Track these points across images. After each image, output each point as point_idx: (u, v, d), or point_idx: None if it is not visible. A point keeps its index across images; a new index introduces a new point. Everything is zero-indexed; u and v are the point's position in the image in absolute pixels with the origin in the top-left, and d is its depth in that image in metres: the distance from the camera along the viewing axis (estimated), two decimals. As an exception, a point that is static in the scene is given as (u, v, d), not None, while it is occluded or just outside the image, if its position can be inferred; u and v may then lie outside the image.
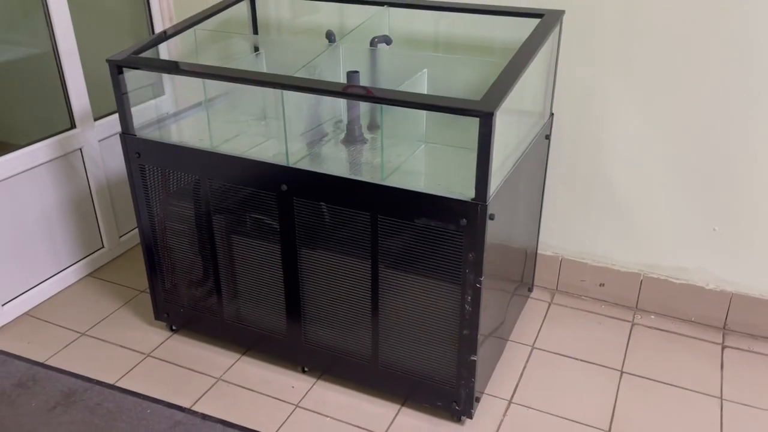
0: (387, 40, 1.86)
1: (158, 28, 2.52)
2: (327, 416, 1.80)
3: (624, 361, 2.00)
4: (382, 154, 1.59)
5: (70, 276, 2.38)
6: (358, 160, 1.75)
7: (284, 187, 1.67)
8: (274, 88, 1.58)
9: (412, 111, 1.74)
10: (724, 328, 2.13)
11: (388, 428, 1.76)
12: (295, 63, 1.84)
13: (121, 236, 2.55)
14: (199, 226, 1.86)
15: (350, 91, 1.49)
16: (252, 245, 1.81)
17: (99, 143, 2.37)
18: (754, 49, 1.79)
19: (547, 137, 2.00)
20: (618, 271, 2.21)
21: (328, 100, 1.85)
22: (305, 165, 1.70)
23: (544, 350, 2.04)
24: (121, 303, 2.27)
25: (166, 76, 2.57)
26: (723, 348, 2.06)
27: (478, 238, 1.50)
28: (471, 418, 1.74)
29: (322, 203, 1.64)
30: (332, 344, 1.82)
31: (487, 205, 1.46)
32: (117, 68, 1.75)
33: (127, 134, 1.83)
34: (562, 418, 1.79)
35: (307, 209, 1.67)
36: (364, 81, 1.80)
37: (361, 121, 1.85)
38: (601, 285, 2.25)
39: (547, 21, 1.78)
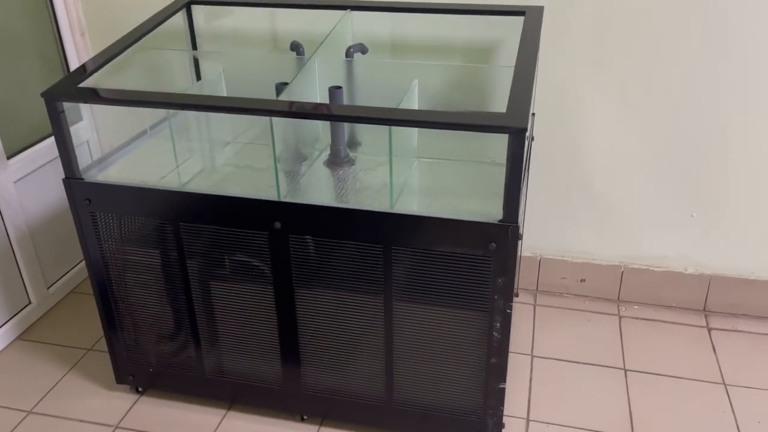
0: (363, 49, 1.69)
1: (69, 46, 2.19)
2: (341, 467, 1.64)
3: (624, 358, 1.97)
4: (391, 178, 1.43)
5: (-2, 342, 2.04)
6: (351, 185, 1.58)
7: (277, 225, 1.47)
8: (263, 115, 1.37)
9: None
10: (704, 310, 2.16)
11: (412, 471, 1.62)
12: (263, 81, 1.64)
13: (48, 287, 2.22)
14: (169, 276, 1.62)
15: (365, 114, 1.31)
16: (236, 291, 1.60)
17: (15, 185, 2.03)
18: (727, 42, 1.79)
19: (532, 138, 1.92)
20: (599, 266, 2.18)
21: (305, 120, 1.66)
22: (296, 197, 1.51)
23: (545, 357, 1.97)
24: (67, 367, 1.97)
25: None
26: (709, 330, 2.08)
27: (509, 262, 1.38)
28: (499, 446, 1.64)
29: (308, 237, 1.46)
30: (338, 387, 1.65)
31: (518, 227, 1.35)
32: (55, 103, 1.47)
33: (72, 179, 1.55)
34: (584, 429, 1.73)
35: (305, 247, 1.48)
36: (346, 96, 1.63)
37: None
38: (582, 281, 2.22)
39: (532, 19, 1.69)
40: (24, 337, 2.10)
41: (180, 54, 1.92)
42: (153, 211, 1.54)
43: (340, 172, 1.63)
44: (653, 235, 2.11)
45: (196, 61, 1.99)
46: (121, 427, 1.76)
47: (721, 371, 1.91)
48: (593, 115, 1.96)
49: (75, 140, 2.21)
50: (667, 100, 1.91)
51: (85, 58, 2.24)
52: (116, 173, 1.64)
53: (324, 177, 1.62)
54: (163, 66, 1.91)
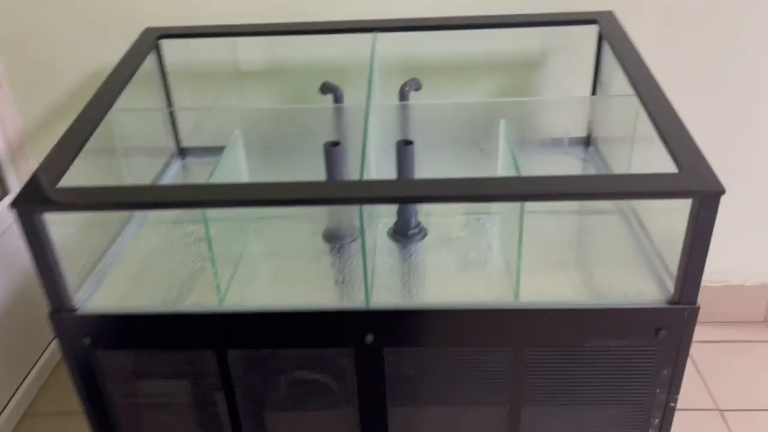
0: (417, 85, 1.33)
1: (-18, 102, 1.66)
2: None
3: (712, 396, 1.76)
4: (519, 264, 1.09)
5: None
6: (435, 265, 1.23)
7: (369, 339, 1.10)
8: (355, 204, 1.00)
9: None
10: (765, 321, 2.00)
11: None
12: (298, 142, 1.25)
13: (-2, 416, 1.71)
14: (210, 415, 1.21)
15: (504, 191, 0.96)
16: (305, 421, 1.22)
17: (-60, 300, 1.51)
18: None
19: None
20: (654, 289, 1.96)
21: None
22: (379, 295, 1.15)
23: (630, 410, 1.72)
24: None
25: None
26: (781, 345, 1.92)
27: (682, 350, 1.10)
28: None
29: (409, 349, 1.11)
30: None
31: (697, 308, 1.06)
32: (34, 216, 1.01)
33: (63, 312, 1.10)
34: (712, 499, 1.50)
35: (405, 360, 1.13)
36: (417, 149, 1.26)
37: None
38: (636, 307, 1.99)
39: (610, 28, 1.39)
40: (-22, 493, 1.60)
41: (164, 113, 1.47)
42: (187, 341, 1.12)
43: (413, 247, 1.27)
44: (713, 250, 1.90)
45: (173, 118, 1.55)
46: None
47: (816, 394, 1.75)
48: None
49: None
50: (724, 94, 1.69)
51: (6, 114, 1.72)
52: (114, 293, 1.20)
53: (395, 256, 1.25)
54: (145, 131, 1.46)
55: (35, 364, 1.87)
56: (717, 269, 1.93)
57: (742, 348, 1.91)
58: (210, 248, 1.07)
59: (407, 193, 0.99)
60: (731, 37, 1.59)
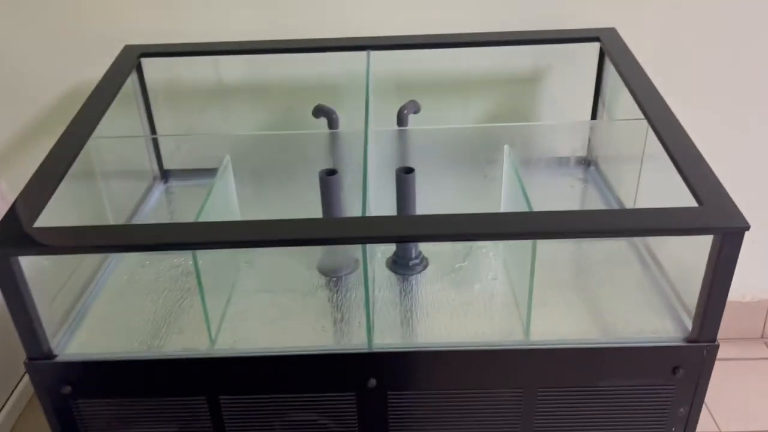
0: (416, 108, 1.26)
1: (-51, 123, 1.56)
2: None
3: (713, 417, 1.72)
4: (530, 303, 1.03)
5: None
6: (437, 299, 1.16)
7: (372, 383, 1.04)
8: (361, 243, 0.93)
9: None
10: (762, 337, 1.98)
11: None
12: (290, 169, 1.18)
13: (-30, 456, 1.61)
14: (201, 462, 1.13)
15: (517, 229, 0.90)
16: (302, 466, 1.15)
17: None
18: None
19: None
20: (651, 307, 1.92)
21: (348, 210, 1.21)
22: (384, 334, 1.08)
23: (631, 434, 1.68)
24: None
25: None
26: (779, 362, 1.89)
27: (700, 389, 1.05)
28: None
29: (415, 392, 1.05)
30: None
31: (717, 345, 1.01)
32: (10, 259, 0.93)
33: (40, 360, 1.01)
34: None
35: (410, 404, 1.07)
36: (417, 174, 1.19)
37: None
38: (633, 326, 1.95)
39: (614, 47, 1.34)
40: None
41: (146, 140, 1.38)
42: (177, 388, 1.05)
43: (414, 279, 1.21)
44: (710, 266, 1.87)
45: (156, 141, 1.47)
46: None
47: (817, 414, 1.72)
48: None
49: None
50: (727, 117, 1.65)
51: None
52: (95, 335, 1.12)
53: (395, 290, 1.19)
54: (126, 154, 1.37)
55: (8, 399, 1.77)
56: (715, 286, 1.90)
57: (740, 366, 1.88)
58: (200, 288, 0.99)
59: (414, 232, 0.93)
60: (735, 52, 1.56)
